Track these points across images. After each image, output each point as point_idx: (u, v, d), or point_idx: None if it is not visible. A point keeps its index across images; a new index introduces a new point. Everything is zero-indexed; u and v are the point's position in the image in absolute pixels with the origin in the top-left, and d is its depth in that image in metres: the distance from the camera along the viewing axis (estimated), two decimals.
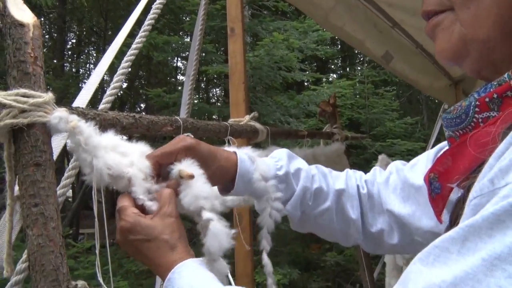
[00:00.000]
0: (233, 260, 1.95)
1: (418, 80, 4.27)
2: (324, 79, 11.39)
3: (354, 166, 3.06)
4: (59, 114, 0.87)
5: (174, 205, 0.93)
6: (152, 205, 0.92)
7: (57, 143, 1.01)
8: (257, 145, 2.23)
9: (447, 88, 4.70)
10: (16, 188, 0.87)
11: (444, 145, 1.07)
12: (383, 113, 9.62)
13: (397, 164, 1.22)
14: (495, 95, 0.68)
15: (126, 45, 1.40)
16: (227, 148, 1.14)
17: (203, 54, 7.36)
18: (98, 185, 0.91)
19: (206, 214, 0.92)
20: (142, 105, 13.79)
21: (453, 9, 0.74)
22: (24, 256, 0.95)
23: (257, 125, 1.76)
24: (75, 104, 1.13)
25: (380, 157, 3.26)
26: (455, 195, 0.73)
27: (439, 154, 0.97)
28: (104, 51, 11.88)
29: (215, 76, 10.25)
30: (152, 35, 7.26)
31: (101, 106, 1.21)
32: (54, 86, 8.42)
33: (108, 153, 0.92)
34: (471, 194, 0.53)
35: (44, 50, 0.91)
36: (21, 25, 0.88)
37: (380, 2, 3.08)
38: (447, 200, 0.76)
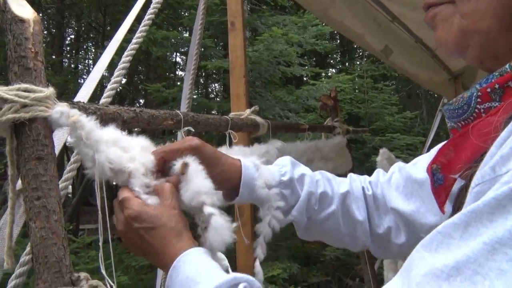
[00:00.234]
0: (234, 254, 1.96)
1: (418, 74, 4.26)
2: (323, 74, 11.38)
3: (353, 160, 3.07)
4: (60, 108, 0.88)
5: (176, 199, 0.94)
6: (147, 198, 0.93)
7: (59, 138, 1.02)
8: (258, 139, 2.24)
9: (446, 82, 4.69)
10: (19, 182, 0.88)
11: None
12: (383, 107, 9.62)
13: (399, 163, 1.23)
14: (496, 86, 0.69)
15: (126, 40, 1.41)
16: (232, 155, 1.14)
17: (202, 49, 7.35)
18: (100, 179, 0.92)
19: (207, 209, 0.93)
20: (141, 101, 13.77)
21: (454, 1, 0.75)
22: (28, 248, 0.96)
23: (258, 119, 1.76)
24: (76, 99, 1.14)
25: (381, 150, 3.27)
26: (457, 185, 0.74)
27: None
28: (103, 46, 11.87)
29: (214, 71, 10.23)
30: (151, 30, 7.24)
31: (102, 101, 1.22)
32: (53, 82, 8.40)
33: (109, 147, 0.93)
34: (473, 182, 0.54)
35: (43, 45, 0.92)
36: (22, 20, 0.89)
37: None
38: (450, 191, 0.77)
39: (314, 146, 2.30)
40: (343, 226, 1.17)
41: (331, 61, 15.40)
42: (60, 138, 1.03)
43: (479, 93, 0.71)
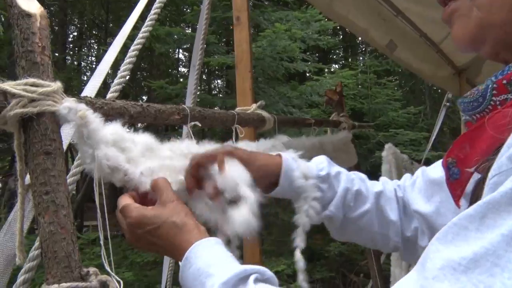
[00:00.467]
0: (240, 252, 1.95)
1: (422, 69, 4.25)
2: (326, 70, 11.35)
3: (357, 156, 3.06)
4: (68, 104, 0.88)
5: (170, 191, 0.96)
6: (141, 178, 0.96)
7: (66, 133, 1.02)
8: (261, 135, 2.23)
9: (450, 77, 4.68)
10: (27, 178, 0.88)
11: None
12: (386, 103, 9.57)
13: (424, 168, 1.23)
14: None
15: (129, 37, 1.41)
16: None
17: (205, 45, 7.33)
18: (99, 176, 0.93)
19: (243, 190, 0.97)
20: (144, 98, 13.78)
21: None
22: (37, 243, 0.96)
23: (264, 114, 1.76)
24: (83, 94, 1.13)
25: (387, 146, 3.25)
26: (474, 180, 0.73)
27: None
28: (106, 43, 11.88)
29: (216, 67, 10.23)
30: (154, 26, 7.23)
31: (108, 95, 1.22)
32: (57, 79, 8.40)
33: (108, 147, 0.94)
34: (490, 173, 0.54)
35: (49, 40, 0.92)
36: (28, 15, 0.89)
37: None
38: (466, 185, 0.76)
39: (320, 141, 2.29)
40: (377, 225, 1.19)
41: (334, 57, 15.37)
42: (67, 133, 1.03)
43: (494, 85, 0.70)
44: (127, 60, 1.26)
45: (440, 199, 1.11)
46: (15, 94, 0.82)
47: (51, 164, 0.84)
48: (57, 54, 11.57)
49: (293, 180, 1.12)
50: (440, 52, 4.16)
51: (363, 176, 1.25)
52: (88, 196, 12.22)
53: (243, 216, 0.95)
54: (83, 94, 1.11)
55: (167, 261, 2.33)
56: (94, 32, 16.06)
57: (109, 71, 1.26)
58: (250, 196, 0.96)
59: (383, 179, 1.28)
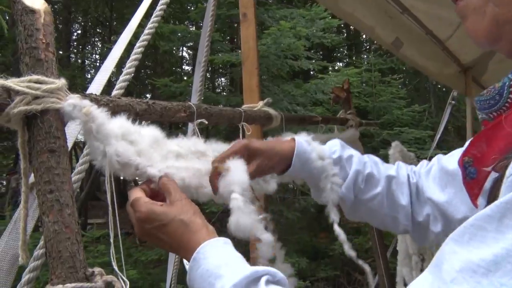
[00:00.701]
0: (248, 248, 1.94)
1: (428, 67, 4.23)
2: (330, 68, 11.32)
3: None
4: (72, 101, 0.87)
5: (178, 190, 0.96)
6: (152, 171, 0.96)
7: (71, 130, 1.01)
8: (268, 132, 2.21)
9: (456, 75, 4.65)
10: (31, 176, 0.87)
11: None
12: (391, 101, 9.54)
13: (439, 156, 1.25)
14: None
15: (134, 34, 1.40)
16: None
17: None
18: (109, 172, 0.92)
19: (234, 195, 0.99)
20: (148, 95, 13.78)
21: None
22: (41, 242, 0.94)
23: (271, 111, 1.75)
24: (89, 90, 1.12)
25: (394, 143, 3.22)
26: (491, 178, 0.72)
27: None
28: (110, 41, 11.88)
29: (220, 65, 10.21)
30: (158, 24, 7.22)
31: (114, 92, 1.20)
32: (61, 77, 8.41)
33: (118, 141, 0.92)
34: (508, 172, 0.52)
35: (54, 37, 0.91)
36: (32, 11, 0.87)
37: None
38: (484, 184, 0.74)
39: (328, 139, 2.26)
40: (387, 208, 1.23)
41: (338, 55, 15.33)
42: (72, 131, 1.01)
43: (511, 83, 0.68)
44: (132, 56, 1.25)
45: (454, 190, 1.12)
46: (19, 91, 0.81)
47: (55, 162, 0.82)
48: (61, 52, 11.59)
49: (309, 162, 1.17)
50: (446, 50, 4.13)
51: (377, 159, 1.28)
52: (92, 194, 12.25)
53: (233, 221, 0.98)
54: (88, 91, 1.09)
55: (172, 259, 2.32)
56: (98, 30, 16.07)
57: (113, 69, 1.24)
58: (239, 201, 0.99)
59: (398, 163, 1.31)
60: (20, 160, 0.90)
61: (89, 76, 13.07)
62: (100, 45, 15.77)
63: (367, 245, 8.03)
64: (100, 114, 0.90)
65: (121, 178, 1.00)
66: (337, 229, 1.25)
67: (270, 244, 1.10)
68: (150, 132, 1.01)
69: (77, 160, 1.16)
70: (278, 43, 7.07)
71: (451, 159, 1.15)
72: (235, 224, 0.97)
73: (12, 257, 0.92)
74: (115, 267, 0.87)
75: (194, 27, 10.58)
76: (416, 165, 1.31)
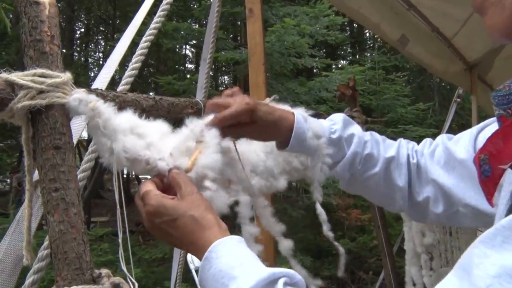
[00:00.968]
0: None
1: (434, 64, 4.20)
2: (333, 66, 11.29)
3: None
4: (78, 96, 0.84)
5: (190, 183, 0.92)
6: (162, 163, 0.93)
7: (77, 126, 0.98)
8: None
9: (461, 72, 4.62)
10: (36, 174, 0.84)
11: (489, 122, 1.07)
12: (395, 99, 9.51)
13: (443, 137, 1.22)
14: None
15: (137, 32, 1.37)
16: (282, 106, 1.22)
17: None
18: (118, 169, 0.88)
19: (206, 183, 0.97)
20: (151, 94, 13.75)
21: None
22: (46, 242, 0.91)
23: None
24: (94, 86, 1.09)
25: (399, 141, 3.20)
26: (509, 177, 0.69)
27: (485, 133, 1.01)
28: (113, 39, 11.88)
29: (223, 63, 10.19)
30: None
31: (120, 88, 1.17)
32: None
33: (126, 136, 0.89)
34: None
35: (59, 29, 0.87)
36: (37, 2, 0.84)
37: None
38: (499, 182, 0.71)
39: None
40: (383, 188, 1.23)
41: (341, 53, 15.29)
42: (77, 127, 0.98)
43: None
44: (139, 51, 1.22)
45: (461, 176, 1.11)
46: (23, 85, 0.78)
47: (60, 159, 0.79)
48: (64, 51, 11.59)
49: (305, 140, 1.14)
50: (452, 47, 4.11)
51: (379, 138, 1.26)
52: (95, 192, 12.25)
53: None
54: (93, 87, 1.06)
55: (177, 257, 2.30)
56: (101, 28, 16.08)
57: (117, 68, 1.21)
58: (211, 190, 0.97)
59: (400, 141, 1.29)
60: (24, 158, 0.87)
61: (92, 74, 13.05)
62: (103, 43, 15.78)
63: (371, 244, 8.01)
64: (106, 109, 0.86)
65: (125, 176, 0.96)
66: (319, 208, 1.26)
67: (248, 204, 1.13)
68: (158, 126, 0.97)
69: (81, 159, 1.13)
70: (282, 40, 7.05)
71: (459, 148, 1.13)
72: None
73: (15, 258, 0.89)
74: (124, 269, 0.83)
75: (197, 25, 10.54)
76: None
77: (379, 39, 14.17)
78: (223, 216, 0.95)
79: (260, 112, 1.08)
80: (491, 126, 1.06)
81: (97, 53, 16.39)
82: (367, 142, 1.21)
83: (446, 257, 3.29)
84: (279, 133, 1.14)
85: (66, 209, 0.76)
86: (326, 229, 1.23)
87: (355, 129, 1.22)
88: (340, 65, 12.13)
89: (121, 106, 0.97)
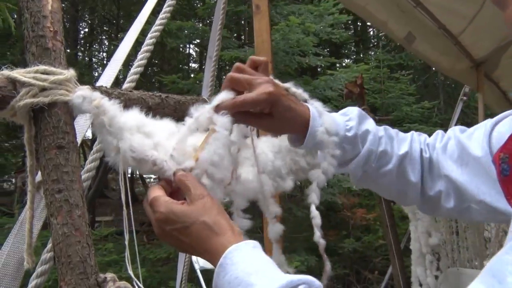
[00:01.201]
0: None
1: (440, 62, 4.18)
2: (337, 64, 11.25)
3: None
4: (82, 93, 0.81)
5: (199, 185, 0.88)
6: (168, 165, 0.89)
7: (81, 125, 0.95)
8: None
9: (468, 70, 4.59)
10: (39, 174, 0.81)
11: (503, 116, 1.06)
12: (400, 97, 9.47)
13: (455, 130, 1.19)
14: None
15: (141, 31, 1.35)
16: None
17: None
18: (124, 168, 0.85)
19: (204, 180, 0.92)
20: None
21: None
22: (49, 245, 0.88)
23: None
24: (99, 84, 1.06)
25: None
26: None
27: (500, 128, 0.99)
28: (117, 39, 11.88)
29: (227, 62, 10.17)
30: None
31: (125, 85, 1.14)
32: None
33: (133, 134, 0.86)
34: None
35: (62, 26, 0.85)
36: None
37: None
38: None
39: None
40: (396, 183, 1.19)
41: (345, 51, 15.24)
42: (81, 125, 0.95)
43: None
44: (144, 48, 1.19)
45: (475, 172, 1.07)
46: (24, 82, 0.75)
47: (64, 159, 0.76)
48: (68, 50, 11.59)
49: (316, 136, 1.09)
50: (459, 45, 4.09)
51: (393, 133, 1.21)
52: (100, 192, 12.26)
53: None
54: (98, 84, 1.03)
55: (182, 257, 2.28)
56: (105, 28, 16.08)
57: (121, 68, 1.18)
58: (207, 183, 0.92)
59: (412, 134, 1.24)
60: (26, 157, 0.84)
61: (96, 74, 13.05)
62: (107, 43, 15.76)
63: (376, 243, 7.97)
64: (112, 106, 0.83)
65: (129, 175, 0.93)
66: (314, 211, 1.16)
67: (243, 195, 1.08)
68: (165, 125, 0.94)
69: (85, 159, 1.10)
70: (287, 39, 7.01)
71: (473, 143, 1.09)
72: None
73: (18, 261, 0.86)
74: (130, 272, 0.81)
75: (201, 24, 10.52)
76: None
77: (383, 38, 14.15)
78: None
79: (280, 108, 1.01)
80: (505, 121, 1.04)
81: (101, 53, 16.40)
82: (382, 138, 1.17)
83: (452, 257, 3.26)
84: (293, 129, 1.10)
85: (70, 211, 0.74)
86: (318, 236, 1.12)
87: (370, 124, 1.17)
88: (344, 64, 12.10)
89: (127, 104, 0.94)
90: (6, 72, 0.75)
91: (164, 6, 1.30)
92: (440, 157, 1.17)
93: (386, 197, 1.34)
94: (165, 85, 8.29)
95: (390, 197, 1.30)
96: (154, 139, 0.90)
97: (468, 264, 3.24)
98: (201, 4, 9.37)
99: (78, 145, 0.84)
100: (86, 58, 15.01)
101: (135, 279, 0.79)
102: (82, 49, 15.30)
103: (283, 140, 1.48)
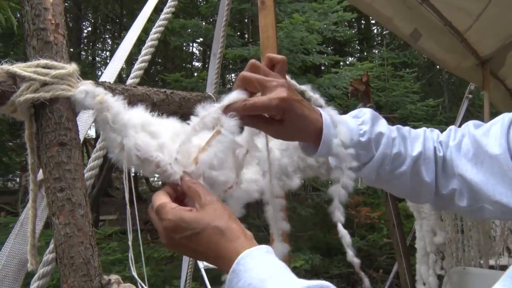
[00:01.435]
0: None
1: (446, 59, 4.15)
2: (341, 63, 11.21)
3: None
4: (84, 87, 0.78)
5: (208, 192, 0.85)
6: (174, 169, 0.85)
7: (83, 121, 0.92)
8: None
9: (474, 68, 4.56)
10: (40, 172, 0.78)
11: None
12: (404, 95, 9.43)
13: (470, 126, 1.15)
14: None
15: (143, 30, 1.33)
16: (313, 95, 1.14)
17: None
18: (128, 166, 0.82)
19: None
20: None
21: None
22: (52, 245, 0.85)
23: None
24: (102, 80, 1.03)
25: None
26: None
27: None
28: (120, 38, 11.86)
29: (230, 61, 10.14)
30: (169, 19, 7.18)
31: (129, 81, 1.11)
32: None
33: (138, 132, 0.83)
34: None
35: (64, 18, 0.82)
36: None
37: None
38: None
39: None
40: (410, 184, 1.15)
41: (349, 49, 15.20)
42: (84, 122, 0.93)
43: None
44: (148, 43, 1.16)
45: (491, 171, 1.04)
46: (25, 77, 0.72)
47: (66, 157, 0.73)
48: (71, 49, 11.58)
49: (332, 148, 1.04)
50: (464, 42, 4.05)
51: (405, 132, 1.17)
52: (104, 191, 12.26)
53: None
54: (101, 80, 1.01)
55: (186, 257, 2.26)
56: (108, 27, 16.06)
57: (123, 66, 1.15)
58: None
59: (425, 133, 1.20)
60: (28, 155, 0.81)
61: (99, 73, 12.99)
62: (110, 42, 15.76)
63: (381, 242, 7.94)
64: (115, 102, 0.80)
65: (133, 174, 0.89)
66: (342, 230, 1.11)
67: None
68: (171, 124, 0.90)
69: (89, 157, 1.07)
70: (291, 37, 6.98)
71: (491, 140, 1.05)
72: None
73: (19, 262, 0.83)
74: (134, 274, 0.78)
75: (204, 22, 10.50)
76: None
77: (387, 36, 14.12)
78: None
79: (293, 115, 0.96)
80: None
81: (104, 52, 16.38)
82: (395, 139, 1.12)
83: (457, 256, 3.23)
84: (304, 137, 1.05)
85: (72, 210, 0.71)
86: (351, 255, 1.08)
87: (383, 126, 1.12)
88: (348, 62, 12.06)
89: (131, 100, 0.91)
90: (6, 66, 0.73)
91: (169, 1, 1.27)
92: (454, 156, 1.13)
93: (400, 196, 1.31)
94: (168, 84, 8.27)
95: (402, 196, 1.27)
96: (159, 140, 0.86)
97: (472, 263, 3.21)
98: (205, 2, 9.35)
99: (81, 142, 0.81)
100: (90, 57, 15.00)
101: (139, 281, 0.76)
102: (86, 48, 15.29)
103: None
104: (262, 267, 0.72)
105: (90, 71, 11.57)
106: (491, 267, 3.35)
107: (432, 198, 1.17)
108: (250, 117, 0.95)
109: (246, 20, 10.20)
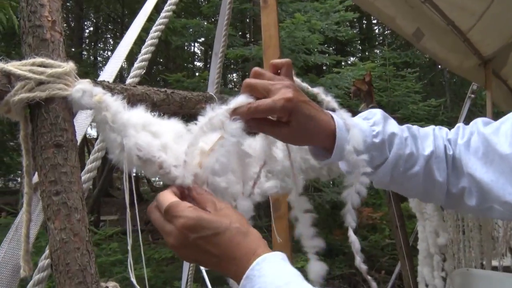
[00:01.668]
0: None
1: (448, 59, 4.15)
2: (343, 63, 11.19)
3: None
4: (81, 87, 0.75)
5: (220, 199, 0.83)
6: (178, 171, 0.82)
7: (80, 123, 0.89)
8: None
9: (476, 67, 4.55)
10: (36, 175, 0.75)
11: None
12: (406, 95, 9.40)
13: (479, 124, 1.12)
14: None
15: (144, 29, 1.30)
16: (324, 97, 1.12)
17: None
18: (129, 168, 0.79)
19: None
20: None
21: None
22: (46, 251, 0.83)
23: None
24: (101, 79, 1.01)
25: None
26: None
27: None
28: (121, 37, 11.86)
29: (232, 61, 10.13)
30: (170, 19, 7.16)
31: (128, 80, 1.09)
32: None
33: (139, 132, 0.80)
34: None
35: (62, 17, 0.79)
36: None
37: None
38: None
39: None
40: (422, 185, 1.13)
41: (351, 49, 15.17)
42: (81, 123, 0.90)
43: None
44: (149, 41, 1.14)
45: (501, 171, 1.02)
46: (20, 76, 0.70)
47: (62, 159, 0.71)
48: (73, 49, 11.57)
49: (343, 152, 1.01)
50: (467, 41, 4.05)
51: (415, 131, 1.15)
52: (105, 191, 12.25)
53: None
54: (100, 79, 0.98)
55: None
56: (110, 26, 16.05)
57: (124, 65, 1.13)
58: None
59: (434, 131, 1.17)
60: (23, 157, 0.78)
61: (101, 73, 13.01)
62: (112, 42, 15.74)
63: (383, 243, 7.92)
64: (114, 102, 0.77)
65: (134, 174, 0.86)
66: (352, 236, 1.11)
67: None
68: (172, 125, 0.87)
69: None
70: (293, 36, 6.95)
71: (501, 139, 1.03)
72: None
73: (12, 268, 0.80)
74: (133, 279, 0.75)
75: (206, 22, 10.49)
76: None
77: (389, 35, 14.10)
78: None
79: (300, 116, 0.93)
80: None
81: (106, 52, 16.37)
82: (407, 139, 1.10)
83: (458, 257, 3.21)
84: (314, 141, 1.01)
85: (68, 214, 0.68)
86: (359, 261, 1.07)
87: (394, 126, 1.10)
88: (350, 62, 12.03)
89: (130, 100, 0.88)
90: (0, 64, 0.70)
91: None
92: (463, 154, 1.11)
93: (410, 197, 1.29)
94: (170, 84, 8.25)
95: (414, 197, 1.25)
96: (162, 140, 0.83)
97: (474, 264, 3.19)
98: (206, 2, 9.33)
99: (78, 143, 0.78)
100: (91, 57, 14.99)
101: (138, 287, 0.73)
102: (87, 47, 15.28)
103: None
104: (277, 273, 0.70)
105: (91, 71, 11.56)
106: (494, 268, 3.33)
107: (444, 198, 1.16)
108: (255, 121, 0.92)
109: (247, 20, 10.17)
